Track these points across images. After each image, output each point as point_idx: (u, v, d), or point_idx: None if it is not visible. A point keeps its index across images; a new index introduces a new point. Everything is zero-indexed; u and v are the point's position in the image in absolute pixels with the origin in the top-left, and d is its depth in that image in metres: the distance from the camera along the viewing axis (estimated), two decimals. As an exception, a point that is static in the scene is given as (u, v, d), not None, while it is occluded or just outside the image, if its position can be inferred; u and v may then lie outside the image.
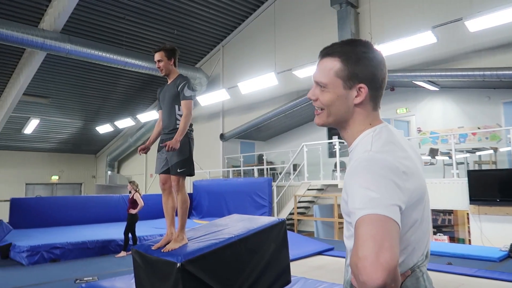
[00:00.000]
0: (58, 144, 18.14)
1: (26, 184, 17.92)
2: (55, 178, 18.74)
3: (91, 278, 5.28)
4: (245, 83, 10.84)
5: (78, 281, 5.25)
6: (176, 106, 3.43)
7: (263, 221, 3.85)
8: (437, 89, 9.73)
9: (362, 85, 1.10)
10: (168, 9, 11.53)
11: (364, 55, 1.11)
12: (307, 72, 9.62)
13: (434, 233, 8.44)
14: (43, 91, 13.64)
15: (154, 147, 3.62)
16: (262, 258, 3.51)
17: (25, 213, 9.42)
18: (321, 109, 1.20)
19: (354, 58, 1.11)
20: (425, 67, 9.32)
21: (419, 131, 10.95)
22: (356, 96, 1.12)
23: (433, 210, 8.74)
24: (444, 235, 8.25)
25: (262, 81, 10.43)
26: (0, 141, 15.60)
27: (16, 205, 9.54)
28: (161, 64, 3.49)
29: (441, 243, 7.81)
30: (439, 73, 8.58)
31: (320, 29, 11.30)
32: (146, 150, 3.56)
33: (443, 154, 9.03)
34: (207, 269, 2.98)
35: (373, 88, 1.11)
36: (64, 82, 13.51)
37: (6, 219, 8.72)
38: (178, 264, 2.79)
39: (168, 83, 3.57)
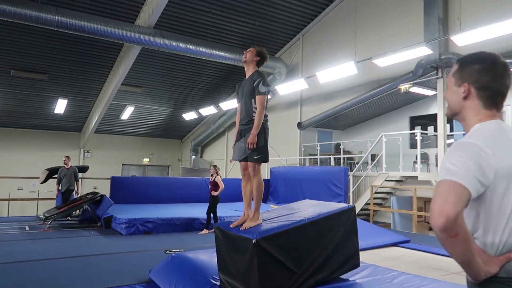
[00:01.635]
0: (149, 130, 19.83)
1: (122, 164, 19.92)
2: (146, 160, 20.55)
3: (178, 250, 5.92)
4: (324, 72, 10.86)
5: (167, 251, 5.92)
6: (253, 100, 3.75)
7: (333, 206, 4.03)
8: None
9: (465, 84, 1.40)
10: (250, 1, 11.92)
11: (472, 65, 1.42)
12: (388, 60, 9.35)
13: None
14: (138, 81, 15.02)
15: (233, 135, 4.01)
16: (331, 241, 3.71)
17: (123, 190, 10.60)
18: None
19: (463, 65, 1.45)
20: (523, 53, 8.52)
21: (515, 122, 10.05)
22: (463, 92, 1.42)
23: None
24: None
25: (340, 70, 10.37)
26: (102, 126, 17.49)
27: (115, 182, 10.79)
28: (248, 54, 3.86)
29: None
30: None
31: (404, 15, 10.85)
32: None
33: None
34: (279, 247, 3.28)
35: (478, 88, 1.39)
36: (156, 73, 14.72)
37: (107, 194, 9.94)
38: (254, 241, 3.13)
39: (246, 77, 3.90)
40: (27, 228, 8.18)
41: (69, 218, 9.37)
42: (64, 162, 9.75)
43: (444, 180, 1.21)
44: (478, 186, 1.21)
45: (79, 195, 9.70)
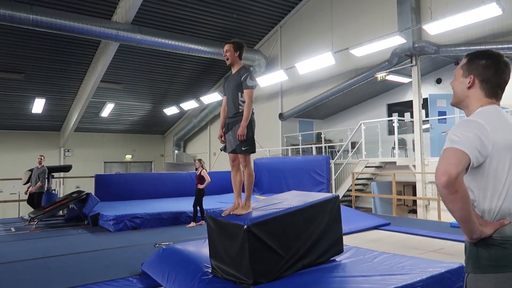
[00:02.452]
0: (131, 126, 19.70)
1: (104, 162, 19.76)
2: (128, 157, 20.44)
3: (168, 243, 6.05)
4: (302, 64, 11.05)
5: (157, 245, 6.05)
6: (239, 94, 3.90)
7: (318, 196, 4.26)
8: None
9: (471, 75, 1.64)
10: (227, -6, 11.98)
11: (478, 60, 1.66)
12: (365, 50, 9.60)
13: None
14: (117, 78, 14.90)
15: (215, 129, 4.16)
16: (317, 227, 3.94)
17: (108, 187, 10.63)
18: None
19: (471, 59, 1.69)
20: (492, 40, 8.91)
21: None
22: (468, 82, 1.65)
23: None
24: None
25: (319, 61, 10.58)
26: (82, 124, 17.28)
27: (100, 180, 10.80)
28: (228, 54, 3.98)
29: None
30: (507, 46, 8.20)
31: (379, 5, 11.12)
32: (222, 138, 4.12)
33: None
34: (269, 233, 3.47)
35: (482, 81, 1.62)
36: (135, 68, 14.63)
37: (91, 192, 9.93)
38: (245, 226, 3.32)
39: (232, 72, 4.04)
40: (12, 229, 8.14)
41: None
42: (38, 161, 9.61)
43: (448, 147, 1.45)
44: (477, 155, 1.43)
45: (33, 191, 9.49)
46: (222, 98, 4.27)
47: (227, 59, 4.03)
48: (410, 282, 3.26)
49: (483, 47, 8.38)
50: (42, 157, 9.74)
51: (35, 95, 14.36)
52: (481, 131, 1.47)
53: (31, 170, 9.73)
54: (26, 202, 9.69)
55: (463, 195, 1.39)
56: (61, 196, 10.36)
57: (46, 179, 9.63)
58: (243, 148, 3.86)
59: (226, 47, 4.01)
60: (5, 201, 12.18)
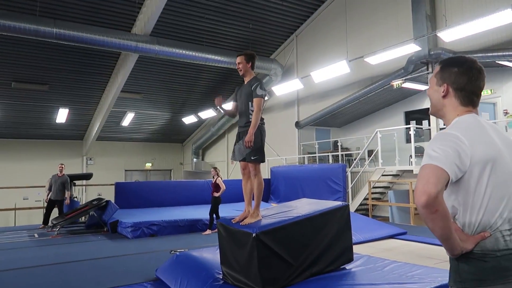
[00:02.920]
0: (150, 135, 20.10)
1: (125, 170, 20.19)
2: (148, 165, 20.82)
3: (183, 250, 6.17)
4: (318, 72, 11.11)
5: (172, 251, 6.17)
6: (250, 103, 4.02)
7: (328, 204, 4.30)
8: (525, 68, 9.10)
9: (445, 84, 1.61)
10: (243, 5, 12.18)
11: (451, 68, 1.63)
12: (380, 58, 9.60)
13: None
14: (137, 88, 15.28)
15: (233, 137, 4.27)
16: (326, 236, 3.97)
17: (127, 195, 10.85)
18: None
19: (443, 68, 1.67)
20: (509, 46, 8.77)
21: (506, 113, 10.31)
22: (442, 91, 1.62)
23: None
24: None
25: (334, 69, 10.62)
26: (103, 133, 17.75)
27: (119, 188, 11.04)
28: (240, 66, 4.12)
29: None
30: (525, 52, 8.07)
31: (393, 13, 11.10)
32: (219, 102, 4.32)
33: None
34: (277, 241, 3.54)
35: (456, 89, 1.59)
36: (154, 79, 14.99)
37: (112, 200, 10.18)
38: (254, 234, 3.39)
39: (245, 83, 4.17)
40: (36, 235, 8.45)
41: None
42: (59, 169, 9.75)
43: (426, 164, 1.41)
44: (456, 170, 1.40)
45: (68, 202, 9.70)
46: (232, 102, 4.41)
47: (240, 71, 4.17)
48: (419, 291, 3.26)
49: (500, 53, 8.27)
50: (63, 166, 9.94)
51: (59, 105, 14.88)
52: (458, 144, 1.43)
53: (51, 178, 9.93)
54: (45, 209, 9.76)
55: (444, 214, 1.37)
56: (83, 203, 10.64)
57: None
58: (252, 158, 3.95)
59: (238, 59, 4.15)
60: (30, 208, 12.61)
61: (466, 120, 1.56)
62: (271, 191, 13.04)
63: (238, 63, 4.15)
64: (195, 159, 19.95)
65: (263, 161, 4.05)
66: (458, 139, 1.45)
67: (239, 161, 4.19)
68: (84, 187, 16.74)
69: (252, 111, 4.01)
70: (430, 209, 1.35)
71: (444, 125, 1.67)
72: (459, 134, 1.48)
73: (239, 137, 4.15)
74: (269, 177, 13.29)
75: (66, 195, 9.63)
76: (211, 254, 4.73)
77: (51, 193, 9.62)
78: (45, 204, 9.83)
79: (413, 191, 9.24)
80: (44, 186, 10.25)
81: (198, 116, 17.15)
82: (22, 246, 7.22)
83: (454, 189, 1.48)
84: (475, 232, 1.48)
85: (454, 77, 1.59)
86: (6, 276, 5.06)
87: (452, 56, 1.71)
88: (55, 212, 9.71)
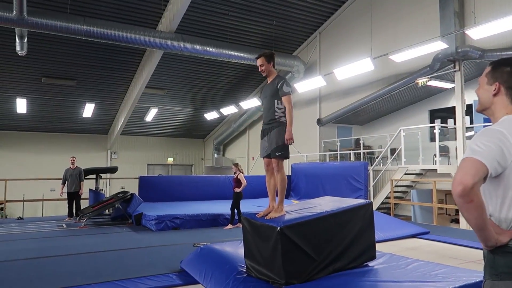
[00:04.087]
0: (173, 130, 20.42)
1: (148, 164, 20.60)
2: (170, 160, 21.16)
3: (205, 243, 6.30)
4: (341, 70, 11.05)
5: (195, 244, 6.31)
6: (275, 101, 4.07)
7: (351, 201, 4.32)
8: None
9: (497, 83, 1.67)
10: (267, 2, 12.20)
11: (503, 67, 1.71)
12: (405, 56, 9.47)
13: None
14: (161, 84, 15.55)
15: (257, 134, 4.36)
16: (349, 233, 4.00)
17: (151, 188, 11.11)
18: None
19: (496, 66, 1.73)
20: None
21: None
22: (493, 90, 1.68)
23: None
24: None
25: (357, 67, 10.54)
26: (128, 128, 18.16)
27: (143, 182, 11.30)
28: (263, 67, 4.18)
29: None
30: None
31: (420, 10, 10.92)
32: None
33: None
34: (301, 235, 3.59)
35: (507, 87, 1.65)
36: (178, 75, 15.22)
37: (135, 193, 10.42)
38: (278, 228, 3.46)
39: (268, 82, 4.23)
40: (64, 226, 8.76)
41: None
42: (71, 161, 9.90)
43: (468, 157, 1.47)
44: (496, 166, 1.45)
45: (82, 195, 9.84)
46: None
47: (263, 72, 4.22)
48: (442, 290, 3.26)
49: (531, 51, 8.05)
50: (74, 158, 10.05)
51: (85, 100, 15.30)
52: (503, 141, 1.48)
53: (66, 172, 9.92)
54: (67, 202, 9.85)
55: (478, 205, 1.43)
56: (108, 196, 10.94)
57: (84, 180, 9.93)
58: (277, 153, 4.02)
59: (259, 61, 4.19)
60: (57, 199, 13.04)
61: (510, 118, 1.61)
62: (292, 187, 13.06)
63: (260, 65, 4.19)
64: (216, 155, 20.15)
65: (288, 157, 4.11)
66: (503, 136, 1.50)
67: (263, 157, 4.25)
68: (108, 180, 17.18)
69: (279, 108, 4.07)
70: (465, 199, 1.41)
71: (492, 122, 1.72)
72: (505, 131, 1.52)
73: (264, 133, 4.21)
74: (290, 174, 13.32)
75: (80, 190, 9.79)
76: (233, 248, 4.83)
77: (66, 186, 9.72)
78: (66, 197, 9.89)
79: (436, 191, 9.15)
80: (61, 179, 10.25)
81: (220, 112, 17.31)
82: (52, 236, 7.51)
83: (492, 184, 1.54)
84: (510, 227, 1.53)
85: (507, 76, 1.65)
86: (40, 262, 5.30)
87: (503, 57, 1.74)
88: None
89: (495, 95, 1.67)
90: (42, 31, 9.83)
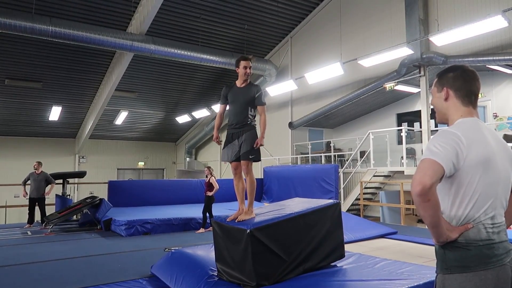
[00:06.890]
0: (143, 133, 20.10)
1: (118, 169, 20.16)
2: (141, 164, 20.81)
3: (177, 248, 6.24)
4: (312, 74, 11.23)
5: (167, 249, 6.23)
6: (249, 108, 4.11)
7: (320, 202, 4.41)
8: (514, 72, 9.31)
9: (445, 88, 1.78)
10: (239, 6, 12.26)
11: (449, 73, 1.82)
12: (373, 61, 9.74)
13: None
14: (131, 87, 15.29)
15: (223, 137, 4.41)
16: (318, 232, 4.08)
17: (121, 193, 10.87)
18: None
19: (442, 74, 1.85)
20: (499, 51, 8.97)
21: (495, 116, 10.53)
22: (444, 95, 1.78)
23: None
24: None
25: (328, 71, 10.74)
26: (96, 131, 17.73)
27: (113, 186, 11.04)
28: (249, 70, 4.20)
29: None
30: (514, 57, 8.26)
31: (387, 17, 11.27)
32: (219, 140, 4.44)
33: (518, 140, 8.70)
34: (271, 237, 3.63)
35: (455, 90, 1.75)
36: (148, 78, 15.01)
37: (104, 198, 10.18)
38: (248, 231, 3.48)
39: (239, 85, 4.23)
40: (29, 233, 8.44)
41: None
42: (34, 167, 9.46)
43: (427, 158, 1.56)
44: (451, 167, 1.55)
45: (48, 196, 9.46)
46: (220, 105, 4.45)
47: (248, 74, 4.20)
48: (408, 287, 3.38)
49: (490, 58, 8.47)
50: (38, 163, 9.54)
51: (52, 103, 14.84)
52: (457, 143, 1.57)
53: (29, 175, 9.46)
54: (28, 208, 9.40)
55: (435, 204, 1.52)
56: (75, 201, 10.62)
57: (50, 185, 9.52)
58: (250, 156, 4.05)
59: (249, 63, 4.18)
60: (21, 206, 12.55)
61: (467, 122, 1.71)
62: (264, 191, 13.13)
63: (250, 68, 4.19)
64: (188, 159, 19.98)
65: (259, 160, 4.15)
66: (458, 138, 1.60)
67: (231, 161, 4.26)
68: (76, 185, 16.69)
69: (251, 115, 4.14)
70: (423, 198, 1.50)
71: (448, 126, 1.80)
72: (459, 133, 1.62)
73: (232, 137, 4.21)
74: (262, 177, 13.38)
75: (47, 191, 9.38)
76: (205, 252, 4.81)
77: (31, 191, 9.27)
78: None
79: (403, 192, 9.44)
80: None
81: (192, 116, 17.21)
82: (16, 243, 7.22)
83: (446, 183, 1.63)
84: (460, 224, 1.63)
85: (452, 80, 1.77)
86: (3, 272, 5.09)
87: (445, 67, 1.89)
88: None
89: (446, 99, 1.77)
90: (5, 31, 9.47)
